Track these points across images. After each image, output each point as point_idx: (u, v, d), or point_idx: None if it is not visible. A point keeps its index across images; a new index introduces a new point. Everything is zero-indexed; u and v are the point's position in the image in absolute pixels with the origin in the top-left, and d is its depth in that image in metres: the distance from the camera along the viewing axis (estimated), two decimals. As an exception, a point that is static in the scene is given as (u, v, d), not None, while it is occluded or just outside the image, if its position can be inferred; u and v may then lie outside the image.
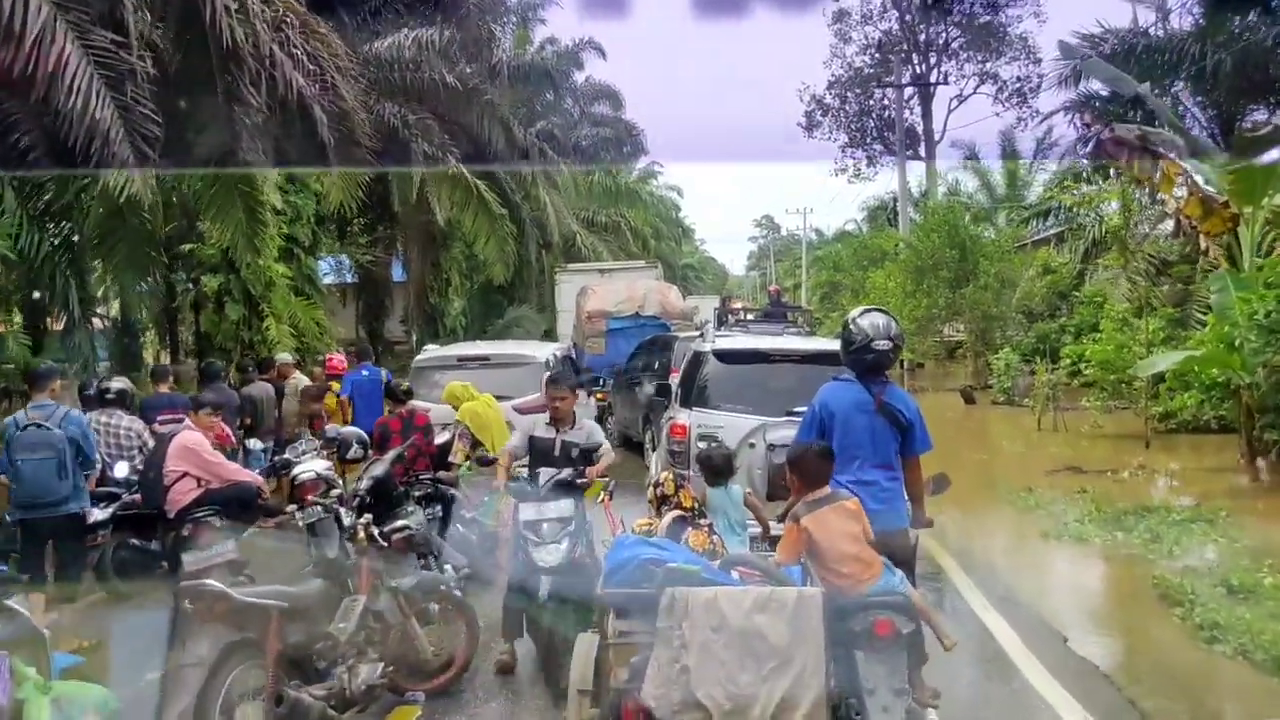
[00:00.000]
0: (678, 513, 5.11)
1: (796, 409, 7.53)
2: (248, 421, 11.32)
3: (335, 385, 12.04)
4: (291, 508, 7.30)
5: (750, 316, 21.87)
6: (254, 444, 9.09)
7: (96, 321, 26.48)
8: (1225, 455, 14.03)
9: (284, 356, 13.53)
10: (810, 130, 45.60)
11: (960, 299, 25.47)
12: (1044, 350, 22.38)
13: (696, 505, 5.47)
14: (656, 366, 15.48)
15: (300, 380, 12.77)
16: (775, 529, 5.91)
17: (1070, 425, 17.44)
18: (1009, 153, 39.31)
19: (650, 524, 5.32)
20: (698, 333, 12.60)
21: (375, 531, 5.54)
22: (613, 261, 30.77)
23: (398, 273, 32.59)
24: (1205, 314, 18.79)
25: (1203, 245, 13.46)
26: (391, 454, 7.94)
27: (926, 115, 42.93)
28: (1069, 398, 18.74)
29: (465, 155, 26.14)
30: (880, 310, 5.72)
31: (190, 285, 23.39)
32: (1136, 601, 7.97)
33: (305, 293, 24.10)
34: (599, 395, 17.72)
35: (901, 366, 29.36)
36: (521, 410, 11.05)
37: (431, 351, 12.95)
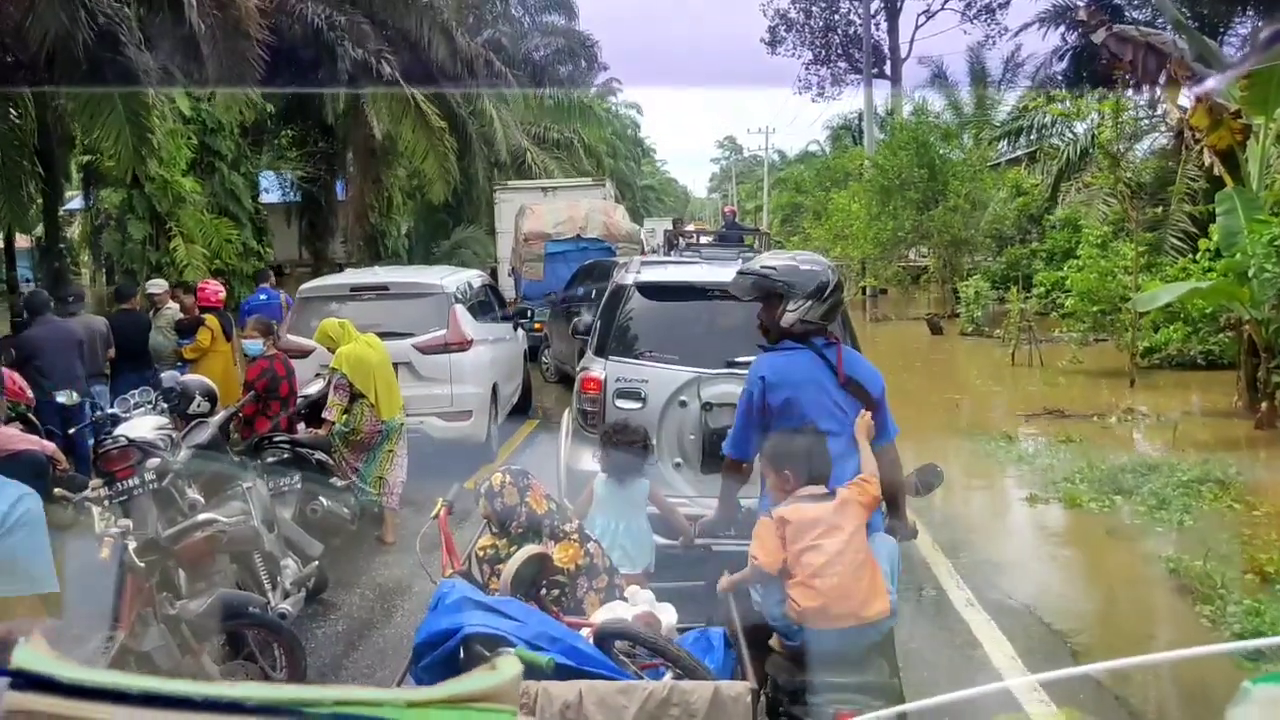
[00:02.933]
0: (533, 549, 3.50)
1: (740, 359, 6.01)
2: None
3: (211, 319, 10.29)
4: (96, 483, 5.69)
5: (704, 240, 20.39)
6: (67, 396, 7.41)
7: (22, 240, 24.60)
8: (1217, 396, 12.74)
9: (156, 284, 11.69)
10: (774, 47, 43.79)
11: (928, 221, 23.97)
12: (1015, 277, 21.03)
13: (555, 506, 3.92)
14: (595, 295, 13.86)
15: (173, 311, 11.01)
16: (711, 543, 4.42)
17: (1046, 359, 16.08)
18: (977, 71, 37.76)
19: (494, 546, 3.75)
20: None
21: (130, 545, 3.91)
22: (557, 179, 28.77)
23: (341, 191, 30.68)
24: (1181, 240, 17.56)
25: (1206, 160, 11.94)
26: (221, 414, 6.32)
27: (893, 32, 41.17)
28: (1042, 328, 17.38)
29: (403, 64, 24.24)
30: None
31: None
32: (1152, 594, 6.56)
33: (229, 211, 22.25)
34: (536, 325, 16.17)
35: (864, 294, 28.02)
36: (424, 349, 9.47)
37: (320, 279, 11.20)
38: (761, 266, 4.13)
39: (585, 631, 3.09)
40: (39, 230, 21.86)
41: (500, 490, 3.81)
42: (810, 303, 3.97)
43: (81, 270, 26.89)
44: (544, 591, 3.50)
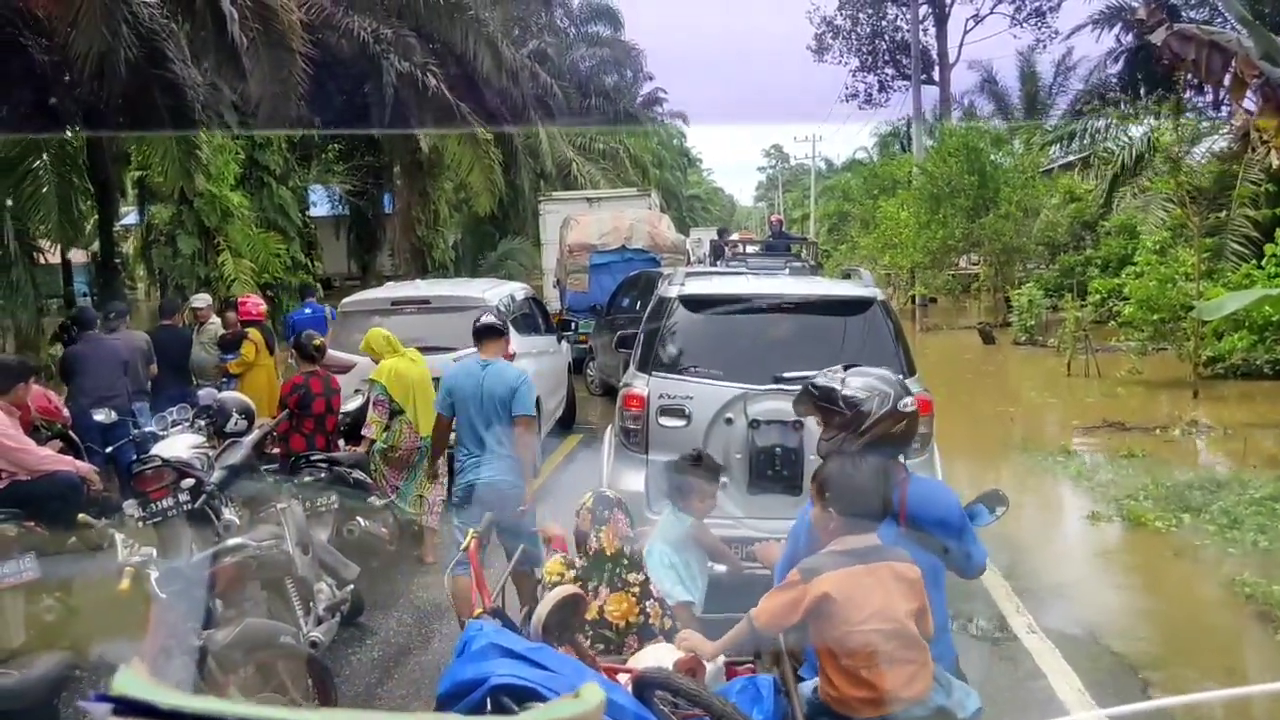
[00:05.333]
0: (567, 590, 3.25)
1: (789, 374, 5.78)
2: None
3: (254, 333, 10.22)
4: (130, 504, 5.60)
5: (751, 249, 20.13)
6: (105, 415, 7.33)
7: (79, 255, 24.99)
8: (1286, 407, 12.26)
9: (200, 298, 11.70)
10: (820, 54, 43.41)
11: (979, 229, 23.51)
12: (1069, 285, 20.54)
13: (629, 551, 3.67)
14: (639, 306, 13.67)
15: (216, 327, 10.98)
16: (751, 568, 4.19)
17: (1103, 369, 15.59)
18: (1028, 75, 37.15)
19: (563, 571, 3.53)
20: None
21: (153, 574, 3.76)
22: (602, 189, 28.62)
23: (389, 204, 30.89)
24: (1242, 245, 17.03)
25: (1274, 163, 11.50)
26: (255, 433, 6.19)
27: (941, 37, 40.56)
28: (1098, 337, 16.90)
29: (449, 76, 24.30)
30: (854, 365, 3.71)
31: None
32: (1228, 621, 6.22)
33: (278, 225, 22.41)
34: (581, 338, 16.01)
35: (913, 302, 27.58)
36: (466, 364, 9.31)
37: (361, 294, 11.10)
38: (813, 383, 3.58)
39: (624, 678, 2.88)
40: (95, 246, 22.19)
41: (579, 511, 3.63)
42: (843, 435, 3.40)
43: (136, 285, 27.22)
44: (584, 638, 3.28)
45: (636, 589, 3.58)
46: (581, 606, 3.26)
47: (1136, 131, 23.42)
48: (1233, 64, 10.16)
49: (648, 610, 3.55)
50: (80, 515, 4.69)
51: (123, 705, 0.80)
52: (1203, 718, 4.80)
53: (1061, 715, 4.87)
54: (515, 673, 2.50)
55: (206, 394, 7.57)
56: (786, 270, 13.58)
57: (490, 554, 4.33)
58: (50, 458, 6.02)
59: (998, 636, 5.89)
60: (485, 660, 2.58)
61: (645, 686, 2.75)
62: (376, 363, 7.76)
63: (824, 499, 3.03)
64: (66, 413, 7.25)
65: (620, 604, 3.49)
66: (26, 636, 5.15)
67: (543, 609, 3.13)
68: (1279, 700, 4.53)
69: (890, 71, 42.80)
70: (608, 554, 3.59)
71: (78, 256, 24.91)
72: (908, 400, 3.43)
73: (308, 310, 12.54)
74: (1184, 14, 26.25)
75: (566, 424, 12.36)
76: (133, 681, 0.82)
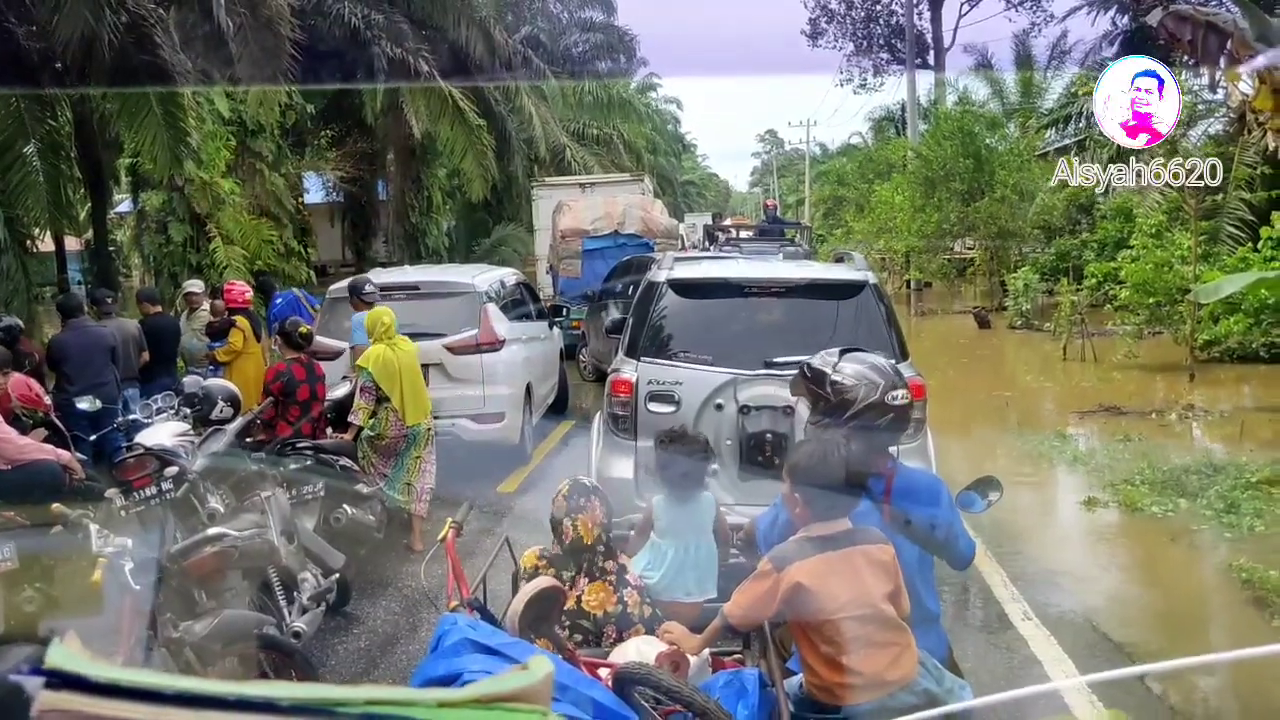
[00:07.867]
0: (544, 582, 3.15)
1: (779, 359, 5.71)
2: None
3: (241, 320, 10.12)
4: (113, 492, 5.51)
5: (745, 234, 20.03)
6: (89, 403, 7.24)
7: (73, 242, 24.88)
8: (1281, 390, 12.21)
9: (194, 284, 11.61)
10: (815, 38, 43.26)
11: (974, 213, 23.41)
12: (1065, 269, 20.47)
13: (607, 538, 3.57)
14: (632, 292, 13.57)
15: (206, 314, 10.89)
16: (736, 558, 4.10)
17: (1099, 353, 15.53)
18: (1022, 58, 37.02)
19: (538, 561, 3.44)
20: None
21: (127, 565, 3.68)
22: (595, 175, 28.46)
23: (383, 191, 30.71)
24: (1237, 228, 16.98)
25: (1270, 145, 11.41)
26: (238, 422, 6.10)
27: (936, 21, 40.41)
28: (1094, 321, 16.83)
29: (442, 62, 24.15)
30: (855, 349, 3.52)
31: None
32: (1225, 607, 6.17)
33: (271, 212, 22.27)
34: (574, 323, 15.91)
35: (908, 286, 27.50)
36: (455, 350, 9.24)
37: (348, 280, 10.97)
38: (808, 364, 3.39)
39: (604, 672, 2.80)
40: (90, 233, 22.12)
41: (554, 498, 3.53)
42: (827, 420, 3.22)
43: (131, 272, 27.11)
44: (561, 630, 3.20)
45: (613, 577, 3.49)
46: (560, 599, 3.17)
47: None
48: (1229, 45, 10.07)
49: (625, 599, 3.47)
50: (54, 505, 4.59)
51: (55, 679, 0.78)
52: (1180, 686, 4.76)
53: (1056, 699, 4.82)
54: (488, 669, 2.41)
55: (192, 381, 7.47)
56: (780, 255, 13.50)
57: (470, 544, 4.24)
58: (31, 446, 5.93)
59: (993, 624, 5.83)
60: (458, 656, 2.50)
61: (625, 682, 2.67)
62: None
63: (794, 482, 2.94)
64: (49, 401, 7.16)
65: (598, 593, 3.40)
66: (6, 627, 5.06)
67: (519, 602, 3.03)
68: (1247, 666, 4.51)
69: (885, 56, 42.68)
70: (586, 542, 3.50)
71: (72, 244, 24.78)
72: (898, 393, 3.27)
73: (279, 299, 12.45)
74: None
75: (559, 410, 12.27)
76: (66, 655, 0.80)
